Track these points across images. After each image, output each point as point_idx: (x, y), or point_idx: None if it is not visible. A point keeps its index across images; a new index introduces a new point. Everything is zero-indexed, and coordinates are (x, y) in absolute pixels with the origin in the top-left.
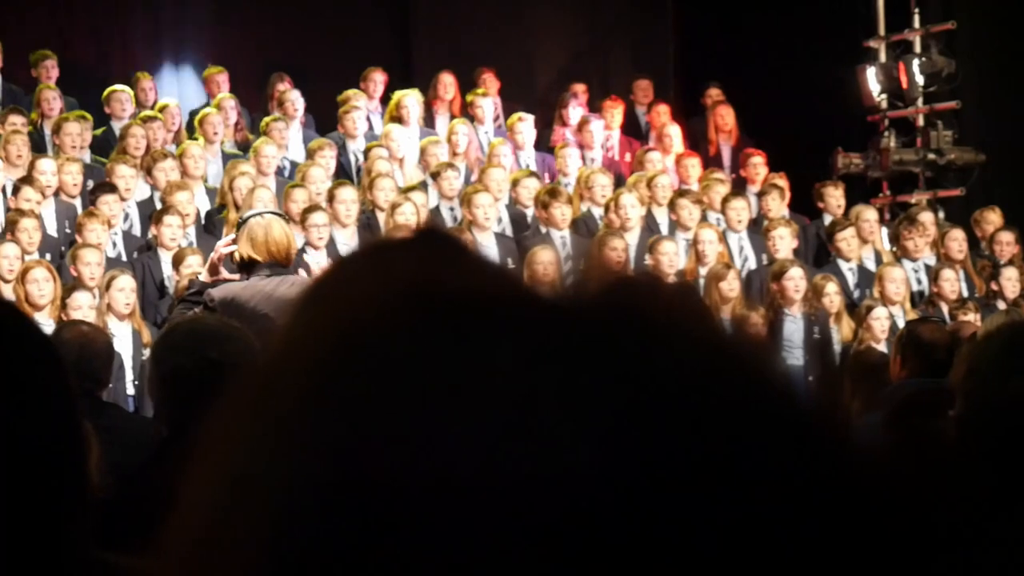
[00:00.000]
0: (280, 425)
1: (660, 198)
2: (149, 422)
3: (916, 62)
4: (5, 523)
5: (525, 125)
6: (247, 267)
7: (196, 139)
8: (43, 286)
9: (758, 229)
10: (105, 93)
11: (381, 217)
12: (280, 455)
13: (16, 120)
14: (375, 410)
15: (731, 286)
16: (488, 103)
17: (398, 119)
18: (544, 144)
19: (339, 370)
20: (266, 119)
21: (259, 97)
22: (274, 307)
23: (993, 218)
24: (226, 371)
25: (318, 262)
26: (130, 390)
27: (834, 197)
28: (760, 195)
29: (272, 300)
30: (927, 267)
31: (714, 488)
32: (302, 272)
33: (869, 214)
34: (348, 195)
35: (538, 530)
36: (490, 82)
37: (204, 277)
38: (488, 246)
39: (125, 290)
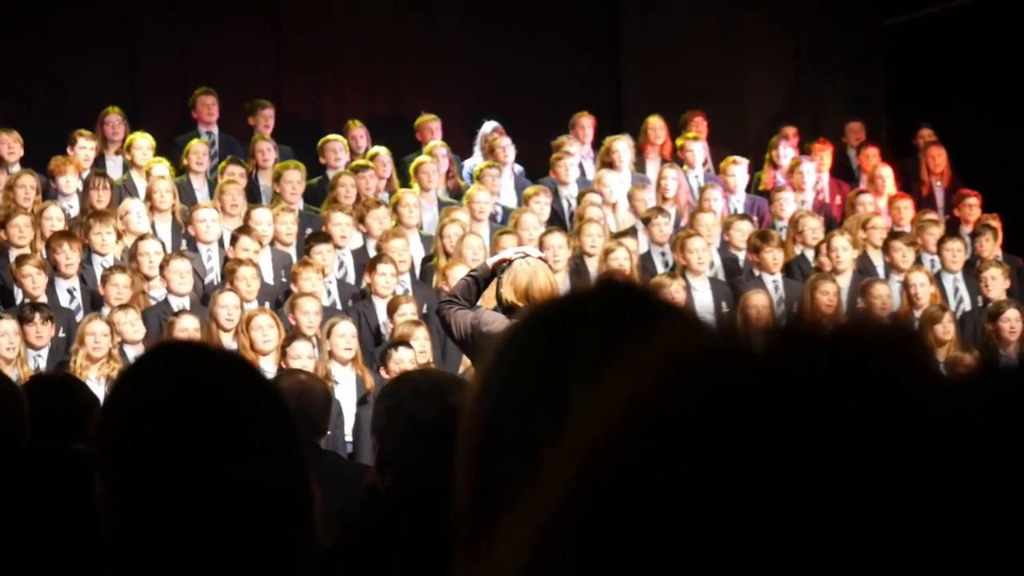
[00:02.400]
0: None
1: (875, 240)
2: (367, 469)
3: None
4: (238, 570)
5: (738, 168)
6: (508, 312)
7: (411, 187)
8: (267, 333)
9: (971, 270)
10: (320, 142)
11: (591, 263)
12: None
13: (233, 170)
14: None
15: (946, 328)
16: (698, 147)
17: (609, 164)
18: (754, 187)
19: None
20: (479, 165)
21: (469, 144)
22: None
23: None
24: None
25: None
26: (348, 436)
27: None
28: (973, 236)
29: None
30: None
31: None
32: None
33: None
34: (557, 241)
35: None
36: (700, 125)
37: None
38: (701, 290)
39: (346, 336)
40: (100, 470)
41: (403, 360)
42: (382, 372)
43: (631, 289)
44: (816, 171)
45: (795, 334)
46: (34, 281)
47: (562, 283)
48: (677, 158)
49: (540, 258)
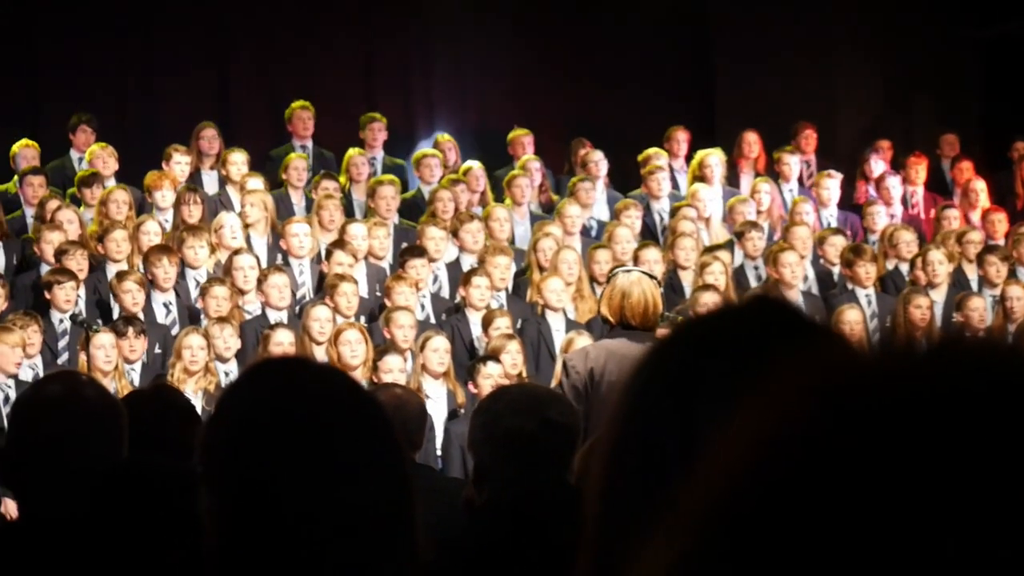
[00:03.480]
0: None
1: (970, 253)
2: (460, 483)
3: None
4: None
5: (832, 182)
6: (605, 323)
7: (504, 201)
8: (355, 348)
9: None
10: (415, 157)
11: (684, 276)
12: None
13: (328, 185)
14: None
15: None
16: (795, 160)
17: (702, 178)
18: (846, 201)
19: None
20: (573, 179)
21: (561, 158)
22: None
23: None
24: (566, 435)
25: None
26: (438, 451)
27: None
28: None
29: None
30: None
31: None
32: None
33: None
34: (652, 256)
35: None
36: (809, 138)
37: None
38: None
39: (439, 351)
40: (205, 486)
41: (492, 374)
42: (470, 386)
43: (779, 307)
44: (910, 184)
45: (948, 355)
46: (134, 297)
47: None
48: (773, 171)
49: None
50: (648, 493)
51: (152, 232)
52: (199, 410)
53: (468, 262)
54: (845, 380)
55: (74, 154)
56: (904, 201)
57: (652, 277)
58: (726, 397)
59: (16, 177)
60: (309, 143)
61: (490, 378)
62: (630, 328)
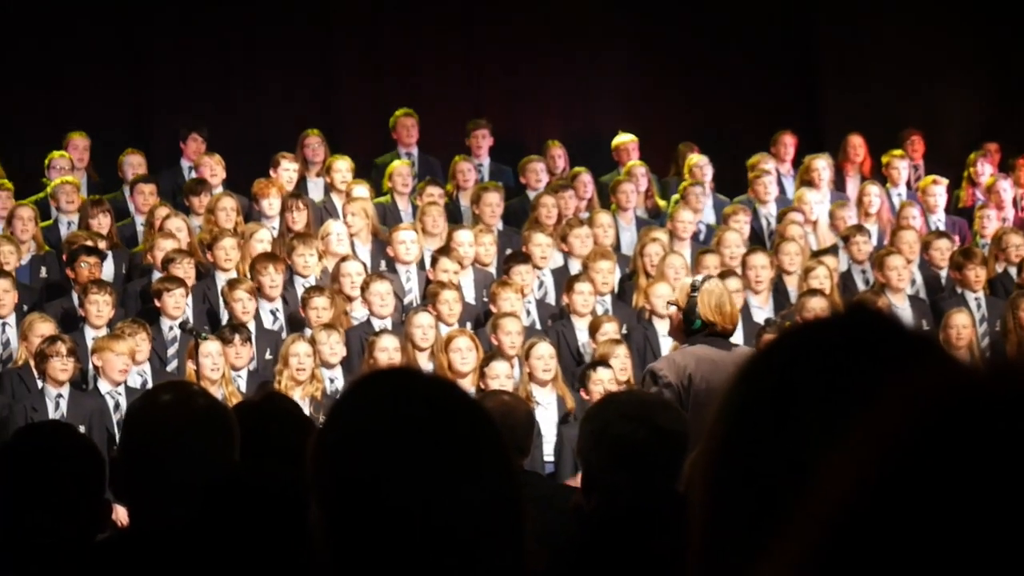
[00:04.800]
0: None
1: None
2: (572, 490)
3: None
4: None
5: (938, 188)
6: (704, 327)
7: (609, 207)
8: (466, 355)
9: None
10: (521, 163)
11: (790, 281)
12: None
13: (433, 191)
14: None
15: None
16: (904, 164)
17: (809, 182)
18: (953, 205)
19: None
20: (683, 184)
21: (667, 163)
22: (721, 376)
23: None
24: (675, 443)
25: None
26: (548, 456)
27: None
28: None
29: (719, 369)
30: None
31: None
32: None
33: None
34: (760, 261)
35: None
36: (916, 144)
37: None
38: (902, 309)
39: (544, 357)
40: (315, 496)
41: (603, 380)
42: (582, 393)
43: (876, 316)
44: (1018, 187)
45: None
46: (244, 306)
47: (765, 303)
48: (881, 175)
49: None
50: (752, 504)
51: (264, 240)
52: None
53: (575, 268)
54: (963, 400)
55: (184, 163)
56: (1015, 203)
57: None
58: (827, 409)
59: (125, 186)
60: (414, 150)
61: (600, 383)
62: (723, 332)
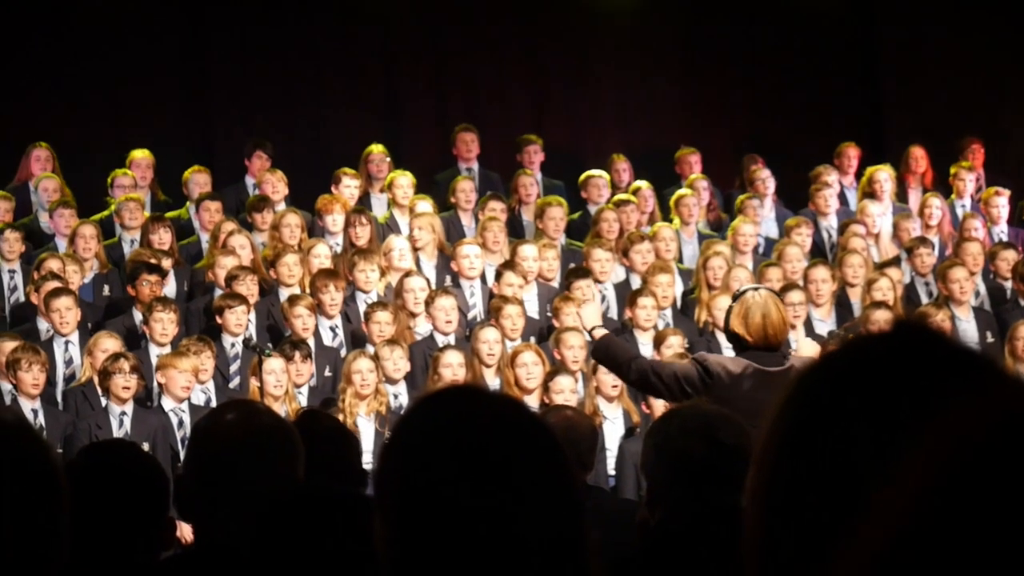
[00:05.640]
0: None
1: None
2: (635, 505)
3: None
4: None
5: (1001, 199)
6: (737, 342)
7: (671, 221)
8: (532, 370)
9: None
10: (582, 177)
11: (853, 294)
12: None
13: (495, 206)
14: None
15: None
16: (971, 176)
17: (871, 194)
18: (1016, 216)
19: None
20: (741, 196)
21: (729, 176)
22: (768, 390)
23: None
24: (736, 458)
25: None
26: (612, 471)
27: None
28: None
29: (768, 383)
30: None
31: None
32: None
33: None
34: (821, 275)
35: None
36: (976, 153)
37: None
38: (966, 320)
39: (610, 372)
40: (380, 514)
41: None
42: (643, 407)
43: (926, 334)
44: None
45: None
46: (304, 323)
47: (828, 315)
48: (944, 186)
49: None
50: (804, 523)
51: (322, 255)
52: (371, 432)
53: (637, 282)
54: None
55: (249, 180)
56: None
57: (777, 294)
58: (876, 427)
59: (189, 204)
60: (474, 165)
61: None
62: (767, 348)
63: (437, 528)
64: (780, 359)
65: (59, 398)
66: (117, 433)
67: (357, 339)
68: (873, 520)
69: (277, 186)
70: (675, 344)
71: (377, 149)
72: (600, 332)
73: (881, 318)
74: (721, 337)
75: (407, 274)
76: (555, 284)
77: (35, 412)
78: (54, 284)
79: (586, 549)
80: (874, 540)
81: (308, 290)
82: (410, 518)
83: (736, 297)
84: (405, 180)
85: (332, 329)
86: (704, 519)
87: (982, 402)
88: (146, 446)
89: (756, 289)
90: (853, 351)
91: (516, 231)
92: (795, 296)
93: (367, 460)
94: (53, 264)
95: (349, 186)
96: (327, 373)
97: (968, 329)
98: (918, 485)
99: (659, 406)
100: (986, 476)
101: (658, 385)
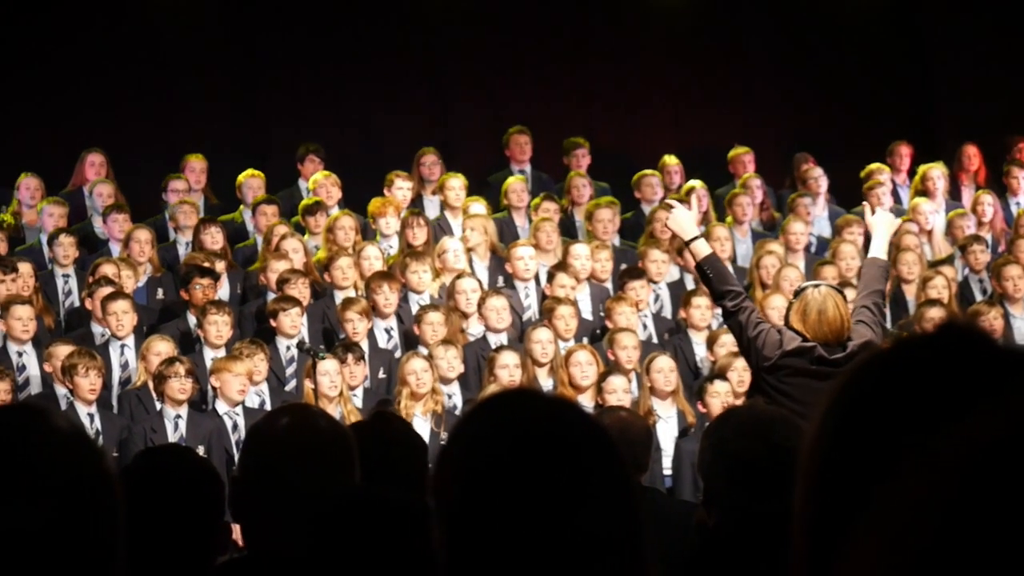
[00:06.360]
0: None
1: None
2: (690, 506)
3: None
4: None
5: None
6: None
7: (725, 220)
8: (586, 369)
9: None
10: (635, 177)
11: (907, 291)
12: None
13: (548, 207)
14: None
15: None
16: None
17: (924, 192)
18: None
19: None
20: (792, 195)
21: (782, 175)
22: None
23: None
24: (792, 459)
25: None
26: (667, 471)
27: None
28: None
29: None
30: None
31: None
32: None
33: None
34: None
35: None
36: None
37: None
38: (1020, 318)
39: (664, 370)
40: (439, 519)
41: (720, 392)
42: (699, 406)
43: (971, 335)
44: None
45: None
46: (355, 327)
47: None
48: (998, 184)
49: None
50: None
51: (372, 257)
52: (427, 432)
53: (691, 282)
54: None
55: (302, 184)
56: None
57: (839, 291)
58: (919, 431)
59: (243, 207)
60: (527, 167)
61: (718, 396)
62: (825, 344)
63: (494, 530)
64: (837, 351)
65: (114, 402)
66: (172, 437)
67: (411, 341)
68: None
69: (331, 190)
70: (728, 343)
71: (430, 151)
72: (701, 245)
73: (935, 315)
74: None
75: (459, 276)
76: (608, 285)
77: (91, 416)
78: (109, 289)
79: (644, 550)
80: (900, 551)
81: (361, 292)
82: (468, 521)
83: (797, 294)
84: (457, 182)
85: (387, 331)
86: (759, 521)
87: (1012, 404)
88: (201, 449)
89: (816, 286)
90: (898, 353)
91: (569, 232)
92: (851, 294)
93: None
94: (107, 269)
95: (401, 188)
96: (381, 375)
97: (1022, 327)
98: (940, 489)
99: (715, 405)
100: (998, 480)
101: (742, 335)
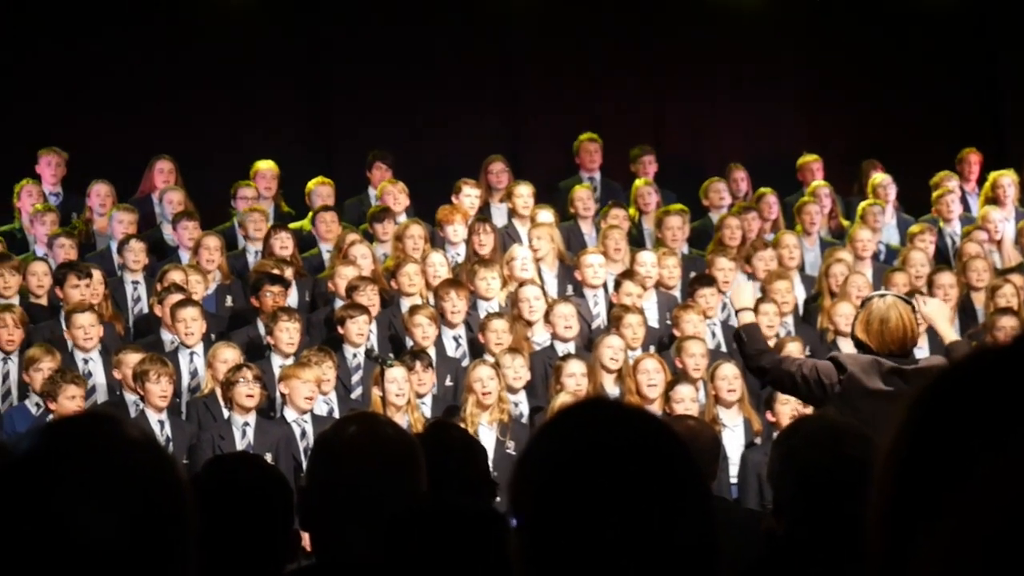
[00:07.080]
0: None
1: None
2: (756, 515)
3: None
4: None
5: None
6: (861, 348)
7: (794, 228)
8: (653, 377)
9: None
10: (703, 185)
11: (976, 299)
12: None
13: (616, 214)
14: None
15: None
16: None
17: (994, 200)
18: None
19: None
20: (862, 204)
21: (851, 182)
22: (888, 396)
23: None
24: (861, 470)
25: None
26: (733, 479)
27: None
28: None
29: (889, 387)
30: None
31: None
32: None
33: None
34: (947, 280)
35: None
36: None
37: None
38: None
39: (728, 378)
40: (519, 531)
41: (789, 401)
42: (767, 415)
43: None
44: None
45: None
46: (424, 332)
47: (951, 321)
48: None
49: (901, 297)
50: (923, 527)
51: (438, 264)
52: (493, 441)
53: (759, 290)
54: None
55: (371, 191)
56: None
57: (907, 301)
58: (1001, 437)
59: (312, 215)
60: (597, 174)
61: (787, 404)
62: (889, 354)
63: (571, 538)
64: (904, 361)
65: (183, 409)
66: (240, 444)
67: (477, 349)
68: (961, 528)
69: (398, 197)
70: (794, 351)
71: (498, 159)
72: (747, 316)
73: (1007, 324)
74: (843, 344)
75: (522, 284)
76: (675, 293)
77: (161, 424)
78: (178, 296)
79: (719, 560)
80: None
81: (429, 300)
82: (544, 529)
83: (863, 304)
84: (525, 190)
85: (455, 339)
86: (828, 530)
87: None
88: (269, 457)
89: (883, 296)
90: (976, 363)
91: (638, 240)
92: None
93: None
94: (176, 276)
95: (469, 196)
96: (448, 382)
97: None
98: (1004, 496)
99: (784, 414)
100: None
101: (795, 376)
